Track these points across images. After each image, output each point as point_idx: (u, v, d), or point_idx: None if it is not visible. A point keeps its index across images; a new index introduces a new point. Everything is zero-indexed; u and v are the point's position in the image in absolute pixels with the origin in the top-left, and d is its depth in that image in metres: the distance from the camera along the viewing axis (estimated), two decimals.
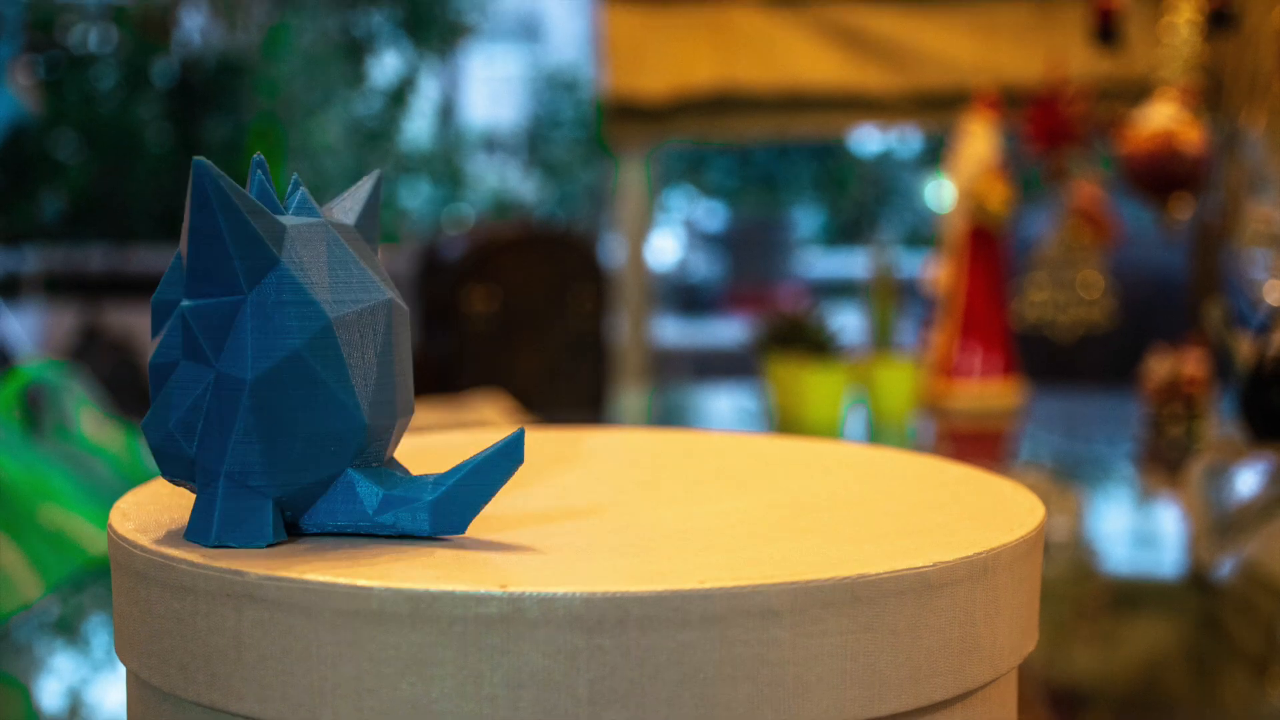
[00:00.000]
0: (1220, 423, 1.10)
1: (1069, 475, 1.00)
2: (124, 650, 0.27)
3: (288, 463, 0.26)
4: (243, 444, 0.25)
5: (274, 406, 0.25)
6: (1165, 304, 1.94)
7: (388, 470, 0.28)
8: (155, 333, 0.27)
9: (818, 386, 1.12)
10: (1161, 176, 1.03)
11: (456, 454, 0.36)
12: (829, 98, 1.93)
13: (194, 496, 0.27)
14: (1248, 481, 0.59)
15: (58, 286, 3.27)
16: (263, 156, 0.28)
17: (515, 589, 0.22)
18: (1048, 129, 1.24)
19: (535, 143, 5.20)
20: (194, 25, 3.80)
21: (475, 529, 0.27)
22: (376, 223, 0.29)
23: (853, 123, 2.07)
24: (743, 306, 4.26)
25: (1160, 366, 1.13)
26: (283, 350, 0.25)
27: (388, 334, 0.27)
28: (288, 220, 0.27)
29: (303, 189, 0.28)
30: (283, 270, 0.26)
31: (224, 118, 3.80)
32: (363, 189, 0.29)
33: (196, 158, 0.25)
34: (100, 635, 0.55)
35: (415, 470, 0.30)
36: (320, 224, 0.27)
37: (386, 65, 4.45)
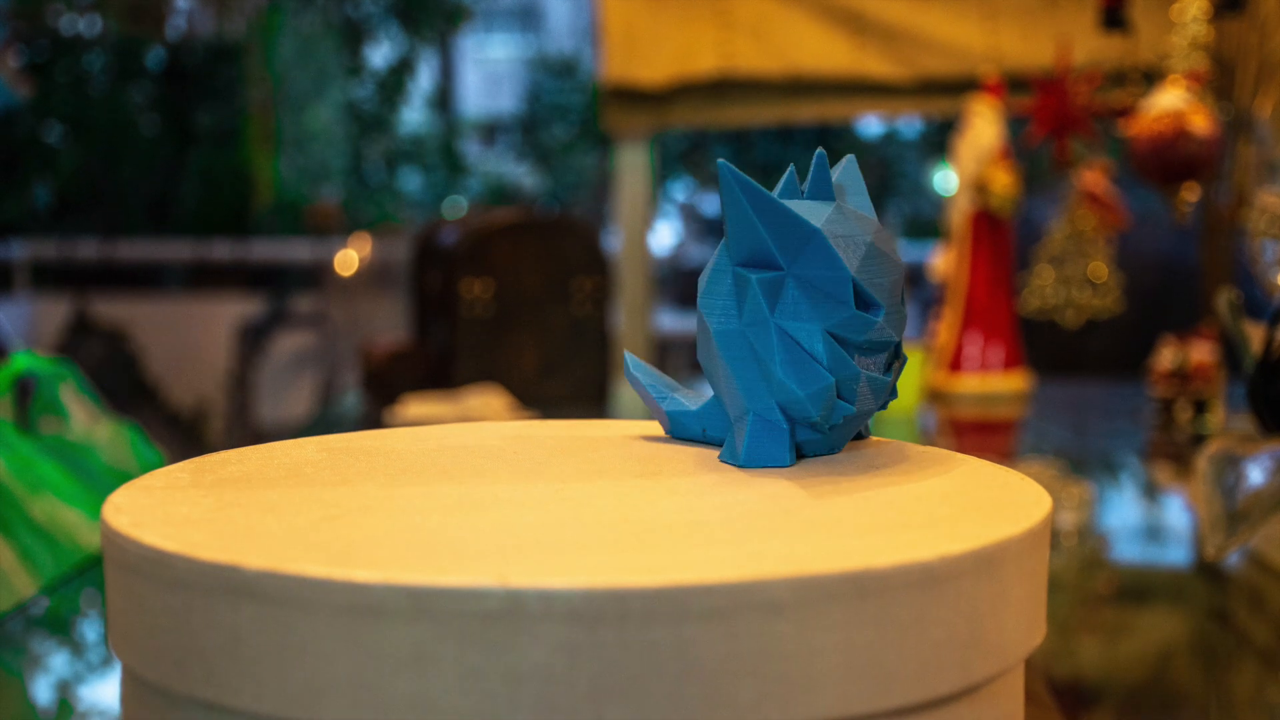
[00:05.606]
0: (1229, 413, 1.09)
1: (1076, 466, 0.99)
2: (119, 646, 0.26)
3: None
4: None
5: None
6: (1175, 292, 1.93)
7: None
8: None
9: None
10: (1169, 161, 1.02)
11: (461, 447, 0.36)
12: (832, 84, 1.91)
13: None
14: (1256, 472, 0.58)
15: (47, 276, 3.26)
16: (824, 152, 0.32)
17: (515, 584, 0.22)
18: (1054, 115, 1.23)
19: (532, 130, 5.17)
20: (184, 10, 3.78)
21: (472, 523, 0.27)
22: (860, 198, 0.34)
23: (856, 110, 2.05)
24: None
25: (1169, 356, 1.12)
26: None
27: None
28: (812, 207, 0.31)
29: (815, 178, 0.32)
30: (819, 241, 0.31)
31: (216, 104, 3.77)
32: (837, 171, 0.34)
33: (720, 160, 0.30)
34: (94, 631, 0.54)
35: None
36: (833, 205, 0.32)
37: (382, 52, 4.43)
